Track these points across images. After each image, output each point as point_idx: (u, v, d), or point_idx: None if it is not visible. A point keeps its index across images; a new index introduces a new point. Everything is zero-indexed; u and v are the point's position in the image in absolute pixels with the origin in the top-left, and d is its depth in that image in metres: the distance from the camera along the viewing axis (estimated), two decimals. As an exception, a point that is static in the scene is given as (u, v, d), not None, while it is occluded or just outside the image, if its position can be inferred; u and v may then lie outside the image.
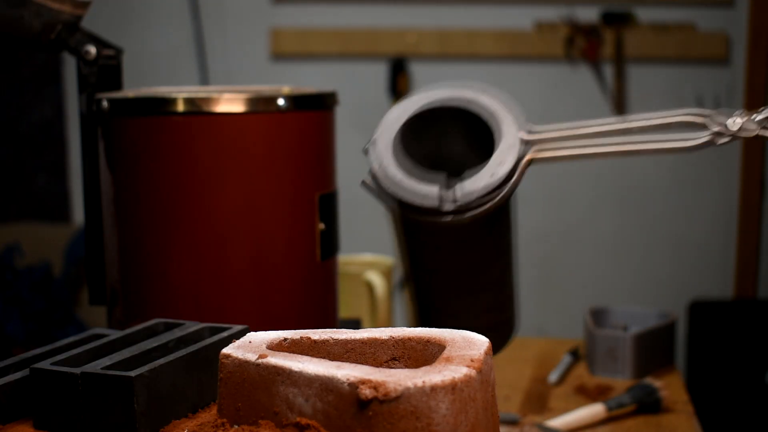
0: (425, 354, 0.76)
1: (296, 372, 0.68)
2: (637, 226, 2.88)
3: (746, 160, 2.76)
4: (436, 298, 0.97)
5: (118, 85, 1.19)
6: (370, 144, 0.82)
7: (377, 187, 0.80)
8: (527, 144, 0.81)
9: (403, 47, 2.88)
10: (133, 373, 0.74)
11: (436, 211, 0.79)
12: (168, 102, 1.06)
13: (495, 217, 0.83)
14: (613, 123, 0.83)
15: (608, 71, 2.82)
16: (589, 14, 2.79)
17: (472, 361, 0.68)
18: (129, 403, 0.73)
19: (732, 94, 2.79)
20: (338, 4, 2.91)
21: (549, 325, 2.92)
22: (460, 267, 0.90)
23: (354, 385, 0.65)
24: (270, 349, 0.74)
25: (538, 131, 0.82)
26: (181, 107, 1.05)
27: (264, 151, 1.08)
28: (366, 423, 0.64)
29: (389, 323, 1.51)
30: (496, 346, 1.05)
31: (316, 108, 1.13)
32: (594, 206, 2.87)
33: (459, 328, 0.84)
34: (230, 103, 1.06)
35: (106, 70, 1.17)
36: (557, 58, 2.82)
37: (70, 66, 3.05)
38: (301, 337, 0.76)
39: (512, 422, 1.29)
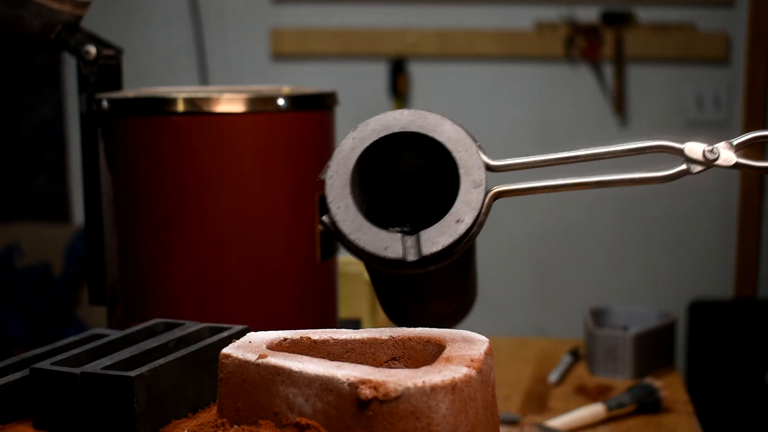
0: (425, 354, 0.76)
1: (296, 372, 0.68)
2: (637, 226, 2.88)
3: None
4: (401, 303, 0.96)
5: (118, 85, 1.19)
6: (327, 179, 0.78)
7: (337, 232, 0.76)
8: (492, 170, 0.77)
9: (403, 47, 2.88)
10: (133, 373, 0.74)
11: (400, 262, 0.76)
12: (168, 102, 1.06)
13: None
14: (582, 152, 0.80)
15: (608, 71, 2.82)
16: (589, 14, 2.79)
17: (472, 361, 0.68)
18: (129, 403, 0.73)
19: (732, 94, 2.79)
20: (338, 4, 2.91)
21: (549, 325, 2.92)
22: (424, 286, 0.88)
23: (354, 385, 0.65)
24: (270, 349, 0.74)
25: (504, 163, 0.78)
26: (181, 107, 1.05)
27: (264, 151, 1.08)
28: (366, 423, 0.64)
29: (389, 323, 1.51)
30: (459, 320, 1.04)
31: (316, 108, 1.13)
32: (594, 206, 2.87)
33: (425, 321, 0.83)
34: (230, 103, 1.06)
35: (106, 70, 1.17)
36: (557, 58, 2.82)
37: (70, 66, 3.05)
38: (301, 337, 0.76)
39: (512, 422, 1.29)
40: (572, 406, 1.33)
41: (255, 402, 0.70)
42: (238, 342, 0.75)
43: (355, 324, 1.42)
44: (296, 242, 1.09)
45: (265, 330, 0.78)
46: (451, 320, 1.01)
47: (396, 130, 0.76)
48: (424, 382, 0.64)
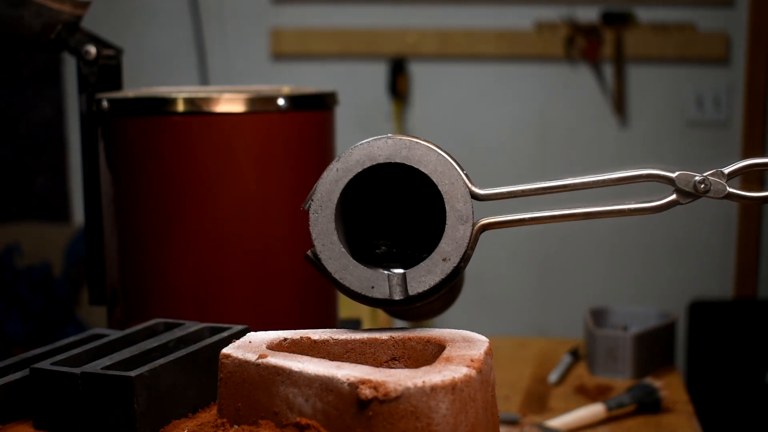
0: (425, 354, 0.76)
1: (296, 372, 0.68)
2: (637, 226, 2.88)
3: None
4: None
5: (118, 85, 1.19)
6: (312, 213, 0.77)
7: (322, 269, 0.76)
8: (478, 199, 0.76)
9: (403, 47, 2.88)
10: (133, 373, 0.74)
11: (386, 301, 0.75)
12: (168, 102, 1.06)
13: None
14: (570, 181, 0.78)
15: (608, 71, 2.82)
16: (589, 14, 2.79)
17: (472, 361, 0.68)
18: (129, 403, 0.73)
19: (732, 94, 2.79)
20: (338, 4, 2.91)
21: (549, 325, 2.92)
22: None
23: (354, 385, 0.65)
24: (270, 349, 0.74)
25: (490, 192, 0.77)
26: (181, 107, 1.05)
27: (264, 151, 1.08)
28: (366, 423, 0.64)
29: (389, 323, 1.51)
30: (445, 309, 1.04)
31: (316, 108, 1.13)
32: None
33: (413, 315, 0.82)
34: (230, 103, 1.06)
35: (106, 70, 1.17)
36: (557, 58, 2.82)
37: (70, 66, 3.05)
38: (301, 337, 0.76)
39: (512, 422, 1.29)
40: (572, 406, 1.33)
41: (255, 402, 0.70)
42: (238, 342, 0.75)
43: (355, 324, 1.42)
44: (296, 242, 1.09)
45: (265, 330, 0.78)
46: (438, 313, 1.02)
47: (380, 161, 0.76)
48: (424, 382, 0.64)
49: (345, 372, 0.66)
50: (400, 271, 0.77)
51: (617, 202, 0.79)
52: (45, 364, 0.77)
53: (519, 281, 2.94)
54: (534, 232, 2.92)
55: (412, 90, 2.91)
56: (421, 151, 0.76)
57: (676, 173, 0.77)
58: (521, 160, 2.89)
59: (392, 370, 0.67)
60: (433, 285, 0.75)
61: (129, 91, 1.15)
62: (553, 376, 1.48)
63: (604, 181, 0.79)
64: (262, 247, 1.08)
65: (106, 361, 0.77)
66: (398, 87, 2.87)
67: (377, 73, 2.90)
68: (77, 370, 0.75)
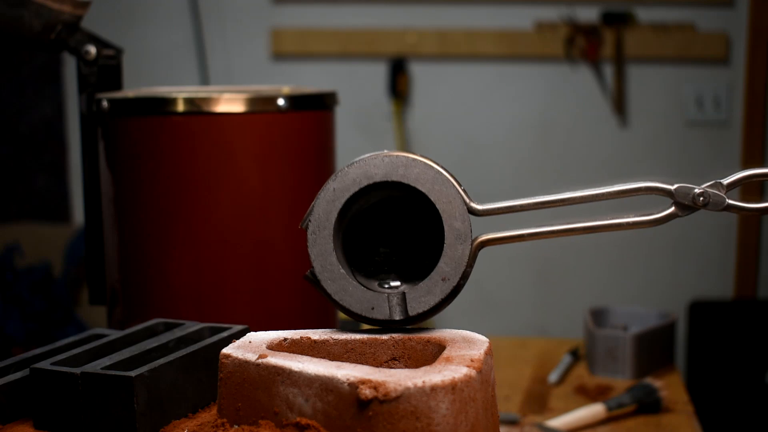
0: (425, 354, 0.76)
1: (296, 372, 0.68)
2: (637, 226, 2.88)
3: (746, 160, 2.76)
4: None
5: (118, 85, 1.19)
6: (309, 233, 0.76)
7: (322, 289, 0.77)
8: (476, 215, 0.76)
9: (403, 47, 2.88)
10: (133, 373, 0.74)
11: (386, 321, 0.76)
12: (168, 102, 1.06)
13: None
14: (568, 195, 0.78)
15: (608, 71, 2.81)
16: (589, 14, 2.79)
17: (472, 361, 0.68)
18: (129, 403, 0.73)
19: (732, 94, 2.79)
20: (338, 4, 2.91)
21: (549, 325, 2.92)
22: None
23: (354, 385, 0.65)
24: (270, 349, 0.74)
25: (488, 208, 0.76)
26: (181, 107, 1.05)
27: (264, 151, 1.08)
28: (366, 423, 0.64)
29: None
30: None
31: (316, 108, 1.13)
32: (594, 206, 2.87)
33: None
34: (230, 103, 1.06)
35: (106, 70, 1.17)
36: (557, 58, 2.82)
37: (70, 66, 3.05)
38: (301, 337, 0.76)
39: (512, 422, 1.29)
40: (572, 406, 1.33)
41: (255, 402, 0.70)
42: (238, 342, 0.75)
43: (355, 324, 1.42)
44: (296, 242, 1.09)
45: (265, 330, 0.78)
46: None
47: (377, 179, 0.76)
48: (424, 382, 0.64)
49: (345, 372, 0.66)
50: (398, 284, 0.77)
51: (616, 216, 0.79)
52: (45, 364, 0.77)
53: (519, 281, 2.94)
54: (534, 232, 2.91)
55: (412, 90, 2.91)
56: (417, 169, 0.76)
57: (675, 186, 0.77)
58: (521, 160, 2.89)
59: (392, 370, 0.67)
60: (433, 305, 0.76)
61: (129, 91, 1.15)
62: (553, 376, 1.48)
63: (602, 194, 0.79)
64: (262, 247, 1.08)
65: (106, 361, 0.77)
66: (398, 87, 2.87)
67: (377, 73, 2.90)
68: (77, 370, 0.75)
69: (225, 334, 0.85)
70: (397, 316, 0.76)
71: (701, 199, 0.75)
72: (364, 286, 0.76)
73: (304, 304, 1.12)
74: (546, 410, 1.35)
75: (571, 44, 2.79)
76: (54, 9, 1.11)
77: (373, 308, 0.76)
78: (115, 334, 0.86)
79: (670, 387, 1.39)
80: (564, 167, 2.87)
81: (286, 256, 1.09)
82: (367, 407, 0.64)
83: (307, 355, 0.74)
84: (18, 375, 0.80)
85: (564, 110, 2.86)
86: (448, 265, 0.76)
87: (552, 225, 0.78)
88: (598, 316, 1.62)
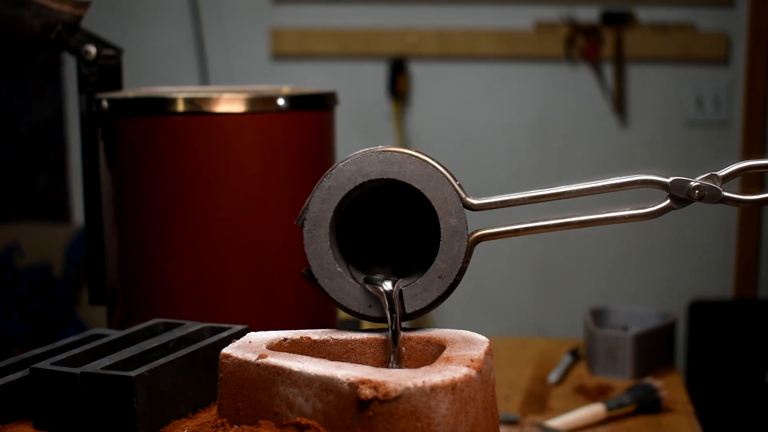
0: (425, 354, 0.76)
1: (296, 372, 0.68)
2: (637, 226, 2.88)
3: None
4: None
5: (118, 85, 1.19)
6: (306, 232, 0.76)
7: (319, 287, 0.77)
8: (471, 209, 0.76)
9: (403, 47, 2.88)
10: (133, 373, 0.74)
11: (384, 318, 0.77)
12: (168, 102, 1.06)
13: None
14: (564, 188, 0.77)
15: (608, 71, 2.81)
16: (589, 14, 2.79)
17: (472, 361, 0.68)
18: (129, 403, 0.73)
19: (732, 94, 2.79)
20: (338, 4, 2.91)
21: (549, 325, 2.92)
22: None
23: (354, 385, 0.65)
24: (270, 349, 0.74)
25: (483, 202, 0.76)
26: (181, 107, 1.05)
27: (264, 151, 1.08)
28: (366, 423, 0.64)
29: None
30: None
31: (316, 108, 1.13)
32: (591, 203, 2.87)
33: None
34: (230, 103, 1.06)
35: (106, 70, 1.17)
36: (557, 58, 2.82)
37: (70, 66, 3.05)
38: (301, 337, 0.76)
39: (512, 422, 1.29)
40: (572, 406, 1.33)
41: (255, 402, 0.70)
42: (238, 342, 0.75)
43: (355, 324, 1.42)
44: (296, 242, 1.09)
45: (265, 330, 0.78)
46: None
47: (372, 177, 0.76)
48: (424, 382, 0.64)
49: (345, 372, 0.66)
50: (389, 285, 0.78)
51: (612, 209, 0.78)
52: (45, 364, 0.77)
53: (519, 281, 2.94)
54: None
55: (412, 90, 2.91)
56: (413, 165, 0.76)
57: (671, 179, 0.76)
58: (521, 160, 2.89)
59: (392, 370, 0.67)
60: (430, 302, 0.76)
61: (129, 91, 1.15)
62: (553, 376, 1.48)
63: (598, 188, 0.79)
64: (263, 247, 1.08)
65: (106, 361, 0.77)
66: (398, 87, 2.87)
67: (377, 73, 2.90)
68: (77, 370, 0.75)
69: (225, 334, 0.85)
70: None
71: (697, 192, 0.75)
72: (361, 284, 0.77)
73: (304, 304, 1.12)
74: (546, 410, 1.35)
75: (571, 44, 2.79)
76: (54, 9, 1.11)
77: (370, 306, 0.76)
78: (115, 334, 0.86)
79: (670, 387, 1.39)
80: (564, 167, 2.87)
81: (286, 256, 1.09)
82: (367, 407, 0.64)
83: (307, 355, 0.74)
84: (18, 375, 0.80)
85: (564, 110, 2.86)
86: (444, 263, 0.76)
87: (548, 219, 0.78)
88: (598, 316, 1.62)
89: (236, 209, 1.07)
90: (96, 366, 0.76)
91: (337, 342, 0.77)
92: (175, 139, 1.06)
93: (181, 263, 1.07)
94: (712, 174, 0.76)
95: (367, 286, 0.76)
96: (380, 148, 0.77)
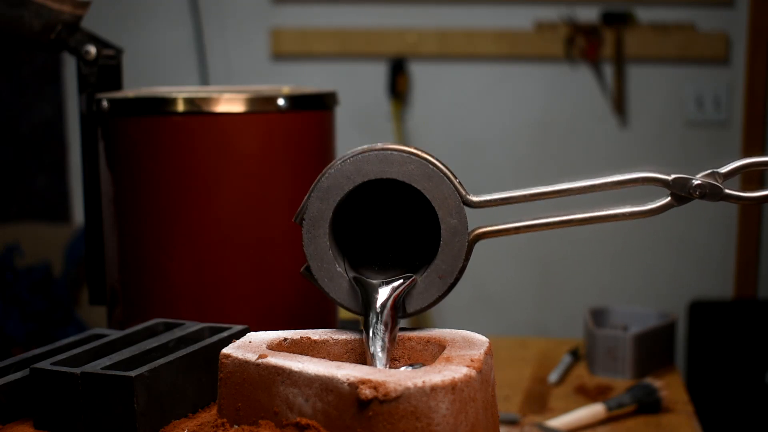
0: (425, 354, 0.76)
1: (296, 372, 0.68)
2: (637, 226, 2.88)
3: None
4: None
5: (118, 85, 1.19)
6: (305, 231, 0.76)
7: (319, 287, 0.77)
8: (471, 206, 0.76)
9: (403, 47, 2.88)
10: (133, 373, 0.74)
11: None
12: (168, 102, 1.06)
13: None
14: (564, 186, 0.78)
15: (608, 71, 2.81)
16: (589, 14, 2.79)
17: (472, 361, 0.68)
18: (129, 403, 0.73)
19: (732, 94, 2.79)
20: (338, 4, 2.91)
21: (549, 325, 2.92)
22: None
23: (354, 385, 0.65)
24: (270, 349, 0.74)
25: (483, 199, 0.76)
26: (181, 107, 1.05)
27: (264, 151, 1.08)
28: (366, 423, 0.64)
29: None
30: None
31: (316, 108, 1.13)
32: (592, 201, 2.87)
33: None
34: (230, 103, 1.06)
35: (106, 70, 1.17)
36: (557, 58, 2.82)
37: (70, 66, 3.05)
38: (301, 337, 0.76)
39: (512, 422, 1.29)
40: (572, 406, 1.33)
41: (255, 402, 0.70)
42: (238, 342, 0.75)
43: (355, 324, 1.42)
44: (296, 242, 1.09)
45: (265, 330, 0.78)
46: None
47: (371, 177, 0.76)
48: (424, 382, 0.64)
49: (345, 372, 0.66)
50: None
51: (612, 207, 0.78)
52: (45, 364, 0.77)
53: (519, 281, 2.94)
54: (534, 233, 2.91)
55: (412, 90, 2.91)
56: (412, 165, 0.76)
57: (672, 176, 0.76)
58: (521, 160, 2.89)
59: (392, 370, 0.67)
60: (430, 302, 0.77)
61: (129, 91, 1.15)
62: (553, 376, 1.48)
63: (599, 185, 0.79)
64: (262, 247, 1.08)
65: (106, 361, 0.77)
66: (398, 87, 2.87)
67: (377, 73, 2.90)
68: (77, 370, 0.75)
69: (225, 334, 0.85)
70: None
71: (698, 190, 0.75)
72: (351, 281, 0.77)
73: (305, 304, 1.12)
74: (546, 410, 1.35)
75: (571, 44, 2.79)
76: (54, 9, 1.11)
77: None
78: (115, 334, 0.86)
79: (670, 387, 1.39)
80: (564, 167, 2.87)
81: (286, 255, 1.09)
82: (367, 407, 0.64)
83: (307, 355, 0.74)
84: (18, 375, 0.80)
85: (564, 110, 2.86)
86: (444, 263, 0.76)
87: (548, 217, 0.78)
88: (598, 316, 1.62)
89: (236, 209, 1.07)
90: (96, 366, 0.76)
91: (337, 342, 0.77)
92: (175, 139, 1.06)
93: (181, 263, 1.07)
94: (713, 171, 0.76)
95: (356, 285, 0.77)
96: (379, 145, 0.77)
